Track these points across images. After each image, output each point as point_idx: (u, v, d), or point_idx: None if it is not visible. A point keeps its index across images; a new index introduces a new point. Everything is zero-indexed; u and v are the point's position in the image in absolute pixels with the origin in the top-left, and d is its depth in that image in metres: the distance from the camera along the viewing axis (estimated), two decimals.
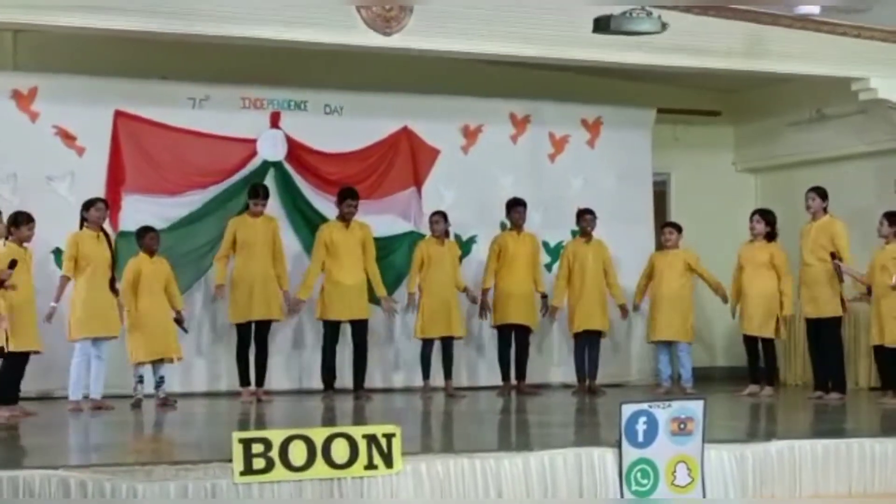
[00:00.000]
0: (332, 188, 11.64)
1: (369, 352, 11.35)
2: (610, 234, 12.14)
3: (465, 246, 12.27)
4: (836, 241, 10.89)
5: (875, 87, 11.60)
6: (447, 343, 11.51)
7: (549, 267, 12.36)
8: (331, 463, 6.77)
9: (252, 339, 10.93)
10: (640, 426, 7.22)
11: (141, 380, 10.42)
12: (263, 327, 10.98)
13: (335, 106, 12.04)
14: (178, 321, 10.53)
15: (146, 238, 10.53)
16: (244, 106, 11.77)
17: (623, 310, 12.04)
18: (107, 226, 10.50)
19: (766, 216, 11.53)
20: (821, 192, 11.12)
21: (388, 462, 6.87)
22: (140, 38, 10.26)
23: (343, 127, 12.00)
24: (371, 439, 6.86)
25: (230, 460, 6.63)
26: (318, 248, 11.14)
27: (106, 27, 9.68)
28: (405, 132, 12.27)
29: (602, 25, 9.60)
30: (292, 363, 11.79)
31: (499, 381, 11.80)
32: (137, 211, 11.21)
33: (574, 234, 12.28)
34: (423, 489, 6.91)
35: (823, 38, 11.35)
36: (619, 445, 7.22)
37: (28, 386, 9.90)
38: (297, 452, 6.71)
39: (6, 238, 9.55)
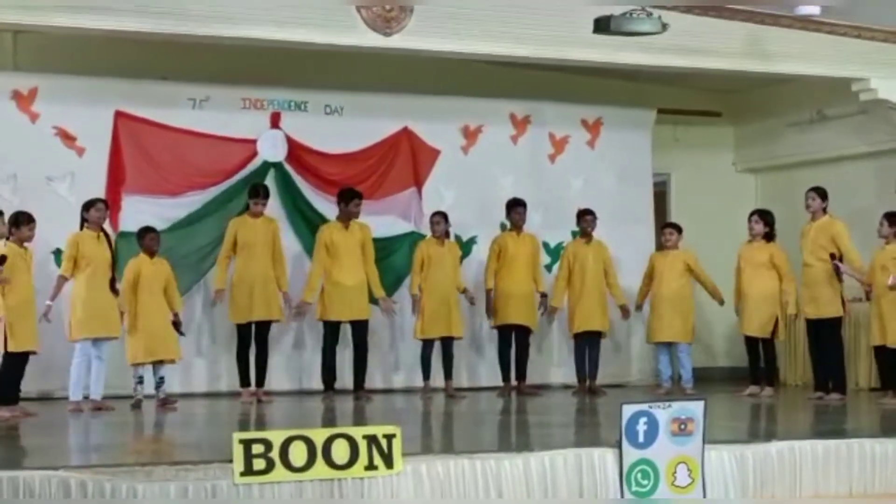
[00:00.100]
0: (332, 189, 11.63)
1: (369, 352, 11.35)
2: (610, 234, 12.14)
3: (466, 246, 12.26)
4: (838, 241, 10.87)
5: (875, 88, 11.60)
6: (447, 343, 11.51)
7: (549, 267, 12.35)
8: (331, 463, 6.76)
9: (252, 339, 10.93)
10: (641, 427, 7.21)
11: (141, 380, 10.41)
12: (264, 328, 10.97)
13: (335, 106, 12.03)
14: (176, 325, 10.52)
15: (146, 238, 10.53)
16: (244, 106, 11.76)
17: (624, 310, 12.03)
18: (107, 226, 10.49)
19: (765, 216, 11.53)
20: (821, 193, 11.11)
21: (389, 463, 6.86)
22: (140, 38, 10.25)
23: (343, 127, 12.00)
24: (371, 440, 6.85)
25: (230, 461, 6.62)
26: (319, 249, 11.13)
27: (105, 28, 9.68)
28: (405, 132, 12.27)
29: (602, 26, 9.60)
30: (292, 364, 11.79)
31: (499, 382, 11.80)
32: (137, 211, 11.20)
33: (574, 234, 12.27)
34: (423, 490, 6.91)
35: (823, 39, 11.35)
36: (619, 446, 7.21)
37: (28, 386, 9.91)
38: (298, 453, 6.71)
39: (7, 238, 9.55)
